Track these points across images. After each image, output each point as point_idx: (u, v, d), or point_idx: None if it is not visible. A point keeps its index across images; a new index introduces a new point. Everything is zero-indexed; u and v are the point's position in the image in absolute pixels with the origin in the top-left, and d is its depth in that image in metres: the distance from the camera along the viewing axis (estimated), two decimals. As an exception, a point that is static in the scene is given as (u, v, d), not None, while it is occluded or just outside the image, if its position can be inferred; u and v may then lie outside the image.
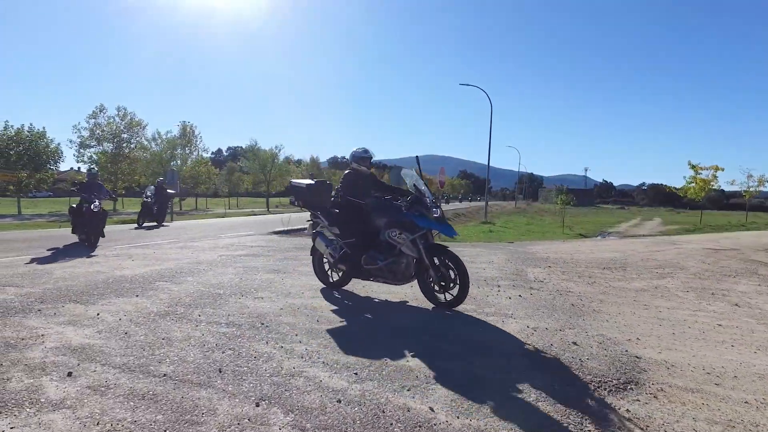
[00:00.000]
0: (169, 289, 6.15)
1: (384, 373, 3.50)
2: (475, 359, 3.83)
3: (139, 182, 35.83)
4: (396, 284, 5.69)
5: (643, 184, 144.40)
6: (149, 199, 18.31)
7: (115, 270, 7.56)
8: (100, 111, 35.17)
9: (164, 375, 3.32)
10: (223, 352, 3.80)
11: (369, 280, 5.83)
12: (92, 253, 9.36)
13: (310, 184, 6.35)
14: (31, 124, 29.28)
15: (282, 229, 16.40)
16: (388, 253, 5.45)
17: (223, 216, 29.12)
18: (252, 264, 8.44)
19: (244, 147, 56.08)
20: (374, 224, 5.68)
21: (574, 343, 4.32)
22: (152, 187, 19.45)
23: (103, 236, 11.24)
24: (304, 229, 17.56)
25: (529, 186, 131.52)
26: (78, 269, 7.63)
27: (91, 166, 11.95)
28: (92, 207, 10.66)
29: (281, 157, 44.95)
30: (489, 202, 38.28)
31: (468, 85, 29.62)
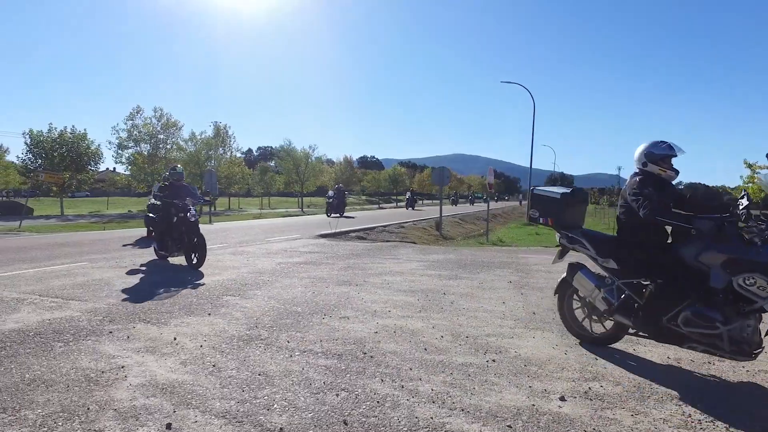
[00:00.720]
0: (242, 306, 5.61)
1: (541, 424, 2.84)
2: (639, 403, 3.14)
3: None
4: (732, 359, 3.58)
5: (680, 183, 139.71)
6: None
7: (174, 280, 7.10)
8: (137, 112, 35.41)
9: (281, 429, 2.73)
10: (336, 394, 3.19)
11: (676, 344, 3.78)
12: (199, 281, 7.06)
13: (566, 193, 4.45)
14: (73, 126, 29.63)
15: (329, 232, 15.89)
16: (731, 310, 3.43)
17: (259, 217, 28.90)
18: (317, 274, 7.86)
19: (276, 147, 56.04)
20: (695, 261, 3.57)
21: (752, 382, 3.59)
22: (157, 185, 17.62)
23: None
24: (351, 232, 17.02)
25: (560, 185, 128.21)
26: (135, 278, 7.21)
27: (175, 165, 9.53)
28: (189, 216, 8.35)
29: (314, 157, 44.59)
30: (521, 202, 37.60)
31: (510, 82, 28.68)
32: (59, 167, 27.52)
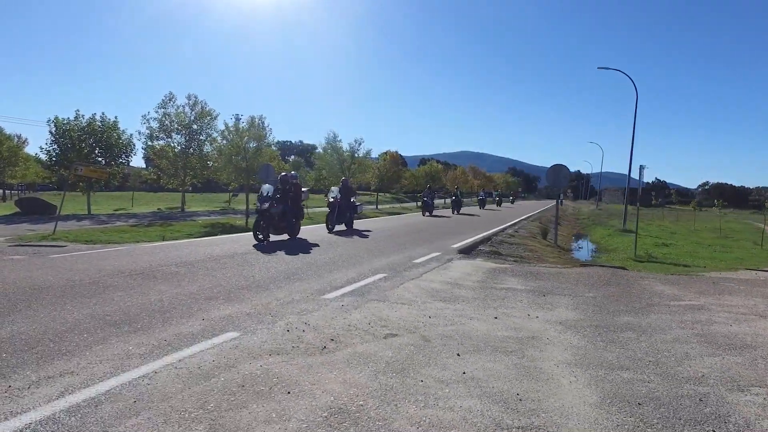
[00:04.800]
0: None
1: None
2: None
3: (218, 178, 32.14)
4: None
5: (706, 183, 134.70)
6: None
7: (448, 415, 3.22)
8: (170, 100, 31.57)
9: None
10: None
11: None
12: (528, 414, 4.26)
13: None
14: (103, 114, 25.85)
15: (462, 245, 12.03)
16: None
17: (315, 219, 25.04)
18: (679, 357, 4.00)
19: (294, 142, 52.12)
20: None
21: None
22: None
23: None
24: (476, 245, 12.99)
25: (578, 185, 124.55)
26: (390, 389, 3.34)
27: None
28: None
29: (361, 152, 40.73)
30: (538, 201, 37.62)
31: (607, 68, 24.65)
32: (88, 159, 23.73)
